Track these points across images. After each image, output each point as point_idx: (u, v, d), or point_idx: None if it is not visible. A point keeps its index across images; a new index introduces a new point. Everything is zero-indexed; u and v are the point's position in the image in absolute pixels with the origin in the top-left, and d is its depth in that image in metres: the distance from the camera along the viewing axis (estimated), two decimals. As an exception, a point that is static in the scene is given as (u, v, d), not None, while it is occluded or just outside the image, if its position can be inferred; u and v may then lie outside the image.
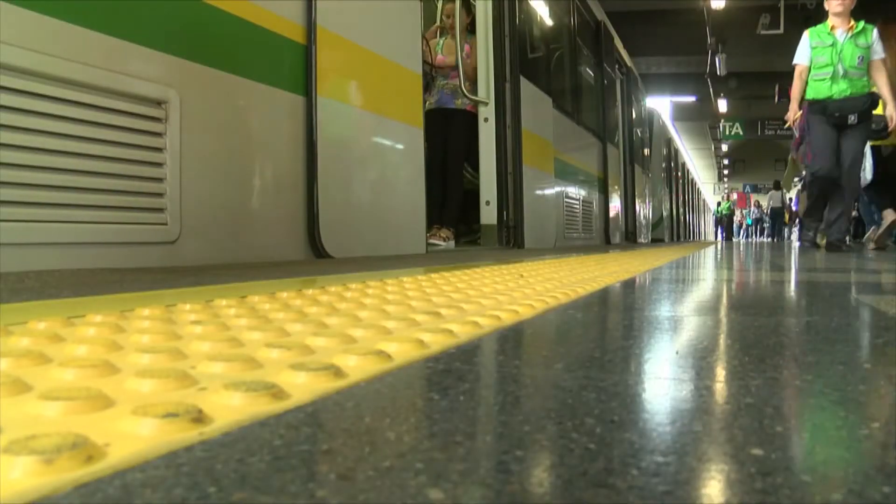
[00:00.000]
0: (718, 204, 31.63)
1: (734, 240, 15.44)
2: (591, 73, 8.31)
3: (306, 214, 2.85)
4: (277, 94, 2.71)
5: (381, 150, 3.56)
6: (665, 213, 16.31)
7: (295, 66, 2.79)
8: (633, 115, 10.79)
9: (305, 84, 2.82)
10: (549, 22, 6.59)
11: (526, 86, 5.26)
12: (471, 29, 4.96)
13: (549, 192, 6.13)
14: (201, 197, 2.36)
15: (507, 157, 4.94)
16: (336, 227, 2.98)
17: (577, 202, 7.23)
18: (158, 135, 2.18)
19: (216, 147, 2.44)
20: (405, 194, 3.79)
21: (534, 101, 5.52)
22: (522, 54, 5.32)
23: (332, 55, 2.97)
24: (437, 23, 5.21)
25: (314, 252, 2.88)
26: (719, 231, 28.48)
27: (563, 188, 6.62)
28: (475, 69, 4.86)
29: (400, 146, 3.77)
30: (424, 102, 4.08)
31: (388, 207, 3.58)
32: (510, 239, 4.94)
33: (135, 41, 2.09)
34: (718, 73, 14.38)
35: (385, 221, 3.53)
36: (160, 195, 2.19)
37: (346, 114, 3.17)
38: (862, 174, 5.31)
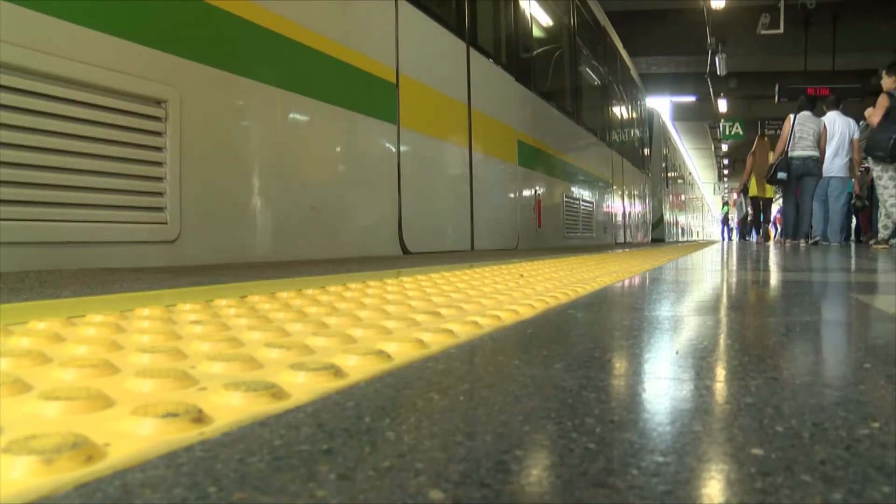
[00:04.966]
0: (725, 204, 30.43)
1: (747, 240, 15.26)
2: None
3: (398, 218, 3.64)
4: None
5: (442, 170, 4.38)
6: (666, 214, 16.31)
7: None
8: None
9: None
10: None
11: (477, 59, 4.74)
12: None
13: (508, 184, 5.39)
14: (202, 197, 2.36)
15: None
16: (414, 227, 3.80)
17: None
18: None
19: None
20: (458, 201, 4.45)
21: (487, 76, 4.97)
22: (470, 19, 4.67)
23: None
24: None
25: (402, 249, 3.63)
26: (725, 230, 27.18)
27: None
28: None
29: (453, 164, 4.44)
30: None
31: (443, 210, 4.32)
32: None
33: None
34: (718, 73, 14.35)
35: (444, 221, 4.30)
36: (160, 194, 2.19)
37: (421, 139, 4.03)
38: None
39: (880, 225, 6.77)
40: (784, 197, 8.11)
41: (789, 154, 7.42)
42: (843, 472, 0.38)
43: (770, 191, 10.29)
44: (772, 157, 8.09)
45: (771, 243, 9.85)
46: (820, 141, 7.46)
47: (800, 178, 7.54)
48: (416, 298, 1.28)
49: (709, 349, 0.82)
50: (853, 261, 3.73)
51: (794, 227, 7.83)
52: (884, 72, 6.66)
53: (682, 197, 22.46)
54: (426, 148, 4.05)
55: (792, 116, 7.53)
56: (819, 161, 7.45)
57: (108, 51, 2.01)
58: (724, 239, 23.61)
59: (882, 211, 6.73)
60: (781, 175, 7.48)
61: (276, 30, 2.71)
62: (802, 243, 7.38)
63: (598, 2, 9.05)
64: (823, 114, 7.75)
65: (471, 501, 0.34)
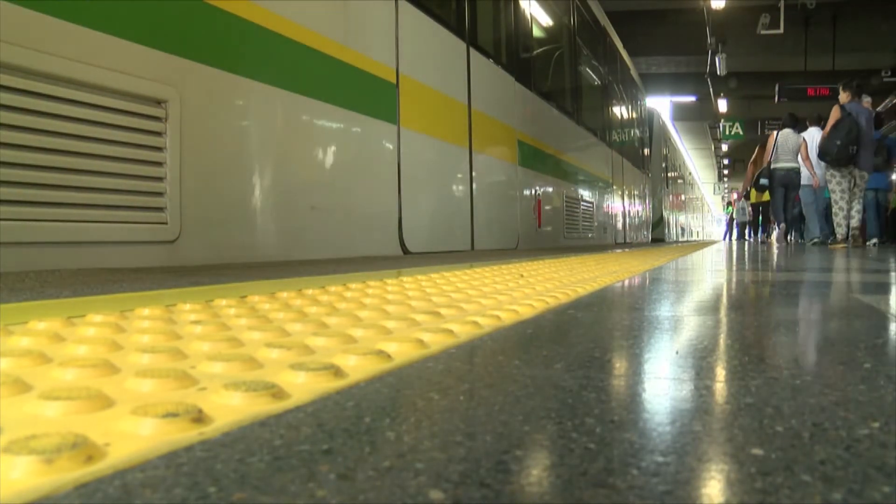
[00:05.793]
0: (729, 204, 29.98)
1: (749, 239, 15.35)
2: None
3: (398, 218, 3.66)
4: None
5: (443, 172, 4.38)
6: (666, 214, 16.31)
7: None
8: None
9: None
10: None
11: (477, 59, 4.71)
12: None
13: (508, 184, 5.36)
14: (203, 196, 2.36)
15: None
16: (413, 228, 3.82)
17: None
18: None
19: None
20: (458, 201, 4.45)
21: (487, 76, 4.95)
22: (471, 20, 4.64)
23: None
24: None
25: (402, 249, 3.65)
26: (727, 233, 26.78)
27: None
28: None
29: (454, 164, 4.42)
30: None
31: (444, 211, 4.31)
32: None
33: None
34: (718, 73, 14.34)
35: (442, 222, 4.28)
36: (160, 194, 2.19)
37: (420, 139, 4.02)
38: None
39: (834, 223, 7.43)
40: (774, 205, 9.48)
41: (772, 166, 8.50)
42: (843, 472, 0.38)
43: (769, 196, 11.01)
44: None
45: (771, 244, 10.16)
46: (799, 155, 8.43)
47: (783, 187, 8.67)
48: (417, 298, 1.28)
49: (709, 349, 0.82)
50: (850, 261, 3.73)
51: (788, 230, 9.09)
52: (841, 87, 7.39)
53: (682, 197, 22.46)
54: (426, 148, 4.05)
55: (775, 133, 8.60)
56: (800, 172, 8.44)
57: (108, 51, 2.01)
58: (725, 239, 23.62)
59: (834, 209, 7.44)
60: (763, 181, 8.70)
61: (276, 30, 2.71)
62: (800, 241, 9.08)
63: (598, 2, 9.04)
64: (806, 129, 8.63)
65: (471, 501, 0.34)
